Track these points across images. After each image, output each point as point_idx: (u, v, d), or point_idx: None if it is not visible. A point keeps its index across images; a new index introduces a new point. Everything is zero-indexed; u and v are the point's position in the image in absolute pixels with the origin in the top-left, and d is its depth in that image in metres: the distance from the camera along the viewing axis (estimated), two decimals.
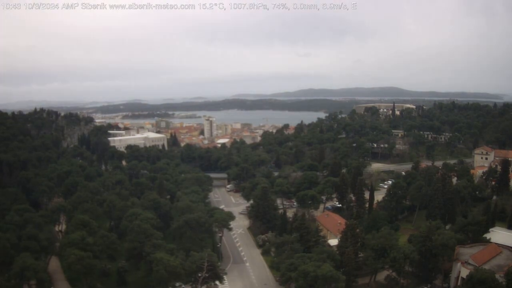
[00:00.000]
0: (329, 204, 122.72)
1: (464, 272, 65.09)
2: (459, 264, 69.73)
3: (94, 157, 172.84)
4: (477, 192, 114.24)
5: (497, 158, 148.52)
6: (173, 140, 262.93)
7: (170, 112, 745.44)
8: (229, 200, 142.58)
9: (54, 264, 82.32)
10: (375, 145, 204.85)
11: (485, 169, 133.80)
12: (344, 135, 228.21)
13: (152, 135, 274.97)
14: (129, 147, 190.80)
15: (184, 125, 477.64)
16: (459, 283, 67.74)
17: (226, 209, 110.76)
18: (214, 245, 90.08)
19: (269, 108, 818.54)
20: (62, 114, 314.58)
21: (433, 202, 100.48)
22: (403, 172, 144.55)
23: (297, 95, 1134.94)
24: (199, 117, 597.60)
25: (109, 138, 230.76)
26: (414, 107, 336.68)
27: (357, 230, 79.30)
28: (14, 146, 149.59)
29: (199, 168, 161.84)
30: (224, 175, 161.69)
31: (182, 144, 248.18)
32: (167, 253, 69.95)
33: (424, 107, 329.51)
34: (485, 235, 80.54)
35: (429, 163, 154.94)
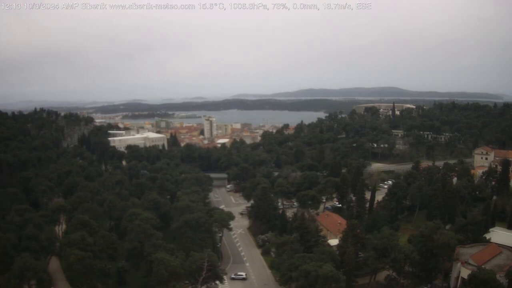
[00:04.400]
0: (329, 204, 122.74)
1: (464, 272, 65.08)
2: (459, 264, 69.71)
3: (94, 157, 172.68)
4: (477, 192, 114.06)
5: (497, 158, 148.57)
6: (173, 140, 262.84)
7: (170, 112, 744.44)
8: (229, 200, 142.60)
9: (54, 264, 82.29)
10: (375, 145, 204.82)
11: (485, 169, 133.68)
12: (344, 135, 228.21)
13: (152, 135, 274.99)
14: (129, 147, 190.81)
15: (184, 125, 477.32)
16: (459, 283, 67.74)
17: (226, 209, 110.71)
18: (214, 245, 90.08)
19: (269, 108, 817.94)
20: (62, 114, 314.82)
21: (433, 202, 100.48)
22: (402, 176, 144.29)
23: (297, 95, 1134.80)
24: (199, 117, 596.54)
25: (109, 138, 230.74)
26: (414, 107, 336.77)
27: (358, 230, 79.30)
28: (14, 146, 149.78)
29: (199, 168, 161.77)
30: (224, 175, 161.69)
31: (182, 144, 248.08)
32: (167, 253, 69.90)
33: (424, 107, 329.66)
34: (485, 235, 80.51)
35: (429, 163, 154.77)
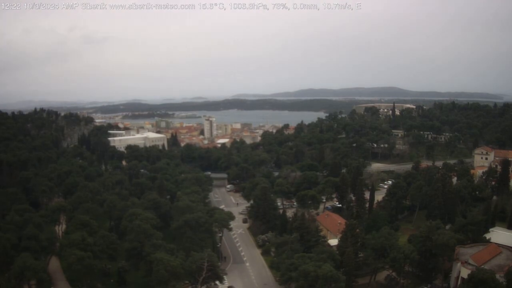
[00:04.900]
0: (329, 204, 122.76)
1: (464, 272, 65.13)
2: (459, 264, 69.76)
3: (94, 157, 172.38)
4: (477, 192, 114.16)
5: (497, 158, 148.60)
6: (173, 140, 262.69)
7: (170, 112, 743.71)
8: (229, 200, 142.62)
9: (54, 264, 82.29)
10: (375, 145, 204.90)
11: (485, 169, 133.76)
12: (344, 135, 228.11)
13: (152, 135, 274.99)
14: (129, 147, 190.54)
15: (184, 125, 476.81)
16: (459, 283, 67.77)
17: (226, 209, 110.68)
18: (214, 245, 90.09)
19: (269, 108, 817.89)
20: (62, 114, 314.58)
21: (433, 202, 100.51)
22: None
23: (297, 95, 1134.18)
24: (199, 117, 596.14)
25: (109, 138, 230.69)
26: (414, 107, 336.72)
27: (357, 230, 79.34)
28: (14, 146, 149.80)
29: (199, 168, 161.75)
30: (224, 175, 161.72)
31: (182, 144, 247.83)
32: (167, 253, 69.89)
33: (424, 107, 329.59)
34: (485, 235, 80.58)
35: (429, 163, 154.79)
